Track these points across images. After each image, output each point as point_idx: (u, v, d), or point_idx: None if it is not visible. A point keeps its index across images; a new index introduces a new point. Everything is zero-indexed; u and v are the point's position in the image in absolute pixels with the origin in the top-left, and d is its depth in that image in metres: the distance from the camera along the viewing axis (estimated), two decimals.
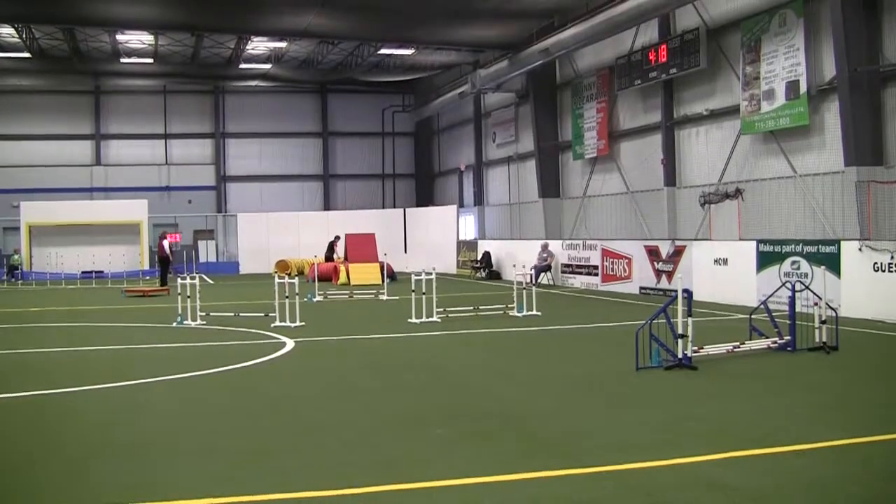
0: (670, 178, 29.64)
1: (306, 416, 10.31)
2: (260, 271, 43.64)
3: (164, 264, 34.91)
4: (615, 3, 27.78)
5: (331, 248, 38.61)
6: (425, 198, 52.99)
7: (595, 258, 29.61)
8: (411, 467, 7.88)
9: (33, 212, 43.64)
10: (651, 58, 29.17)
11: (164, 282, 33.75)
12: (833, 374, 12.64)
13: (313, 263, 32.66)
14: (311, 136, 52.77)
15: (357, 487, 7.21)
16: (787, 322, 14.39)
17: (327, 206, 52.09)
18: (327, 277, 34.73)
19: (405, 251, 44.66)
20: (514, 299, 21.53)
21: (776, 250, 21.63)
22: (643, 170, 31.61)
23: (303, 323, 19.38)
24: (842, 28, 21.20)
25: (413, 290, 20.40)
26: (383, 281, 29.58)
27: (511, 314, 21.14)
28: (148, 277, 39.85)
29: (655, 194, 30.61)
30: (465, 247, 41.48)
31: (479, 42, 37.11)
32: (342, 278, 34.64)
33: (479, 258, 38.48)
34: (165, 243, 35.10)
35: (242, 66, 43.81)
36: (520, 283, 22.00)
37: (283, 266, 39.92)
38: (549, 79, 37.68)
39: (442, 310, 20.51)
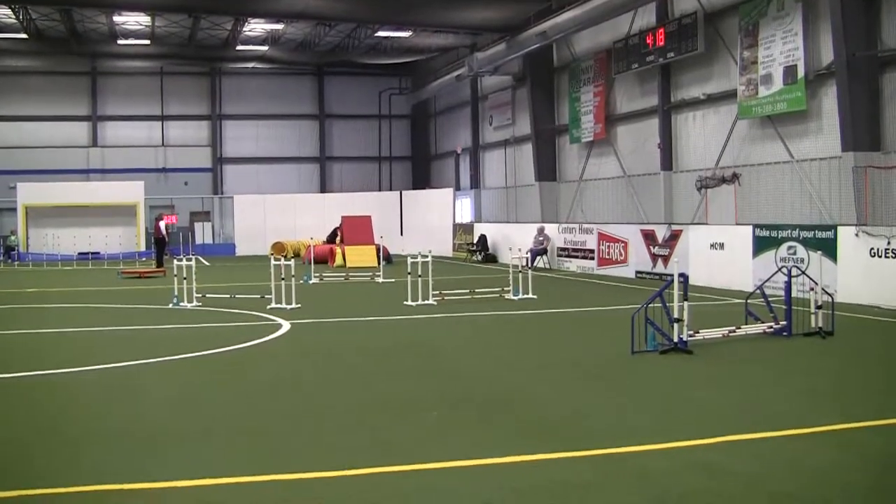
0: (667, 162, 29.61)
1: (302, 397, 10.33)
2: (256, 253, 43.61)
3: (160, 245, 34.92)
4: None
5: (335, 233, 38.67)
6: (422, 180, 52.92)
7: (591, 242, 29.62)
8: (407, 450, 7.90)
9: (30, 193, 43.57)
10: (648, 42, 29.09)
11: (159, 263, 33.75)
12: (828, 359, 12.68)
13: (309, 245, 32.64)
14: (307, 119, 52.65)
15: (353, 469, 7.23)
16: (783, 307, 14.41)
17: (324, 189, 52.03)
18: (323, 260, 34.72)
19: (401, 234, 44.65)
20: (510, 282, 21.54)
21: (772, 235, 21.64)
22: (640, 154, 31.57)
23: (298, 305, 19.40)
24: (840, 13, 21.13)
25: (409, 273, 20.41)
26: (379, 263, 29.57)
27: (507, 297, 21.16)
28: (144, 259, 39.79)
29: (652, 178, 30.59)
30: (462, 230, 41.48)
31: (477, 25, 36.98)
32: (338, 260, 34.65)
33: (475, 241, 38.49)
34: (162, 224, 35.12)
35: (239, 47, 43.67)
36: (516, 266, 22.02)
37: (279, 248, 39.91)
38: (546, 62, 37.58)
39: (438, 293, 20.54)
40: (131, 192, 44.56)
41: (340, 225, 37.85)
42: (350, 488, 6.92)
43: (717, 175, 25.78)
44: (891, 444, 8.13)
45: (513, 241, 31.75)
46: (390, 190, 51.19)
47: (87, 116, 49.60)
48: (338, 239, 37.89)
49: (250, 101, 51.35)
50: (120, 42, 42.45)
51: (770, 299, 15.04)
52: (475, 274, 29.96)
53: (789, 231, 21.18)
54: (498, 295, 21.36)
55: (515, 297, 21.10)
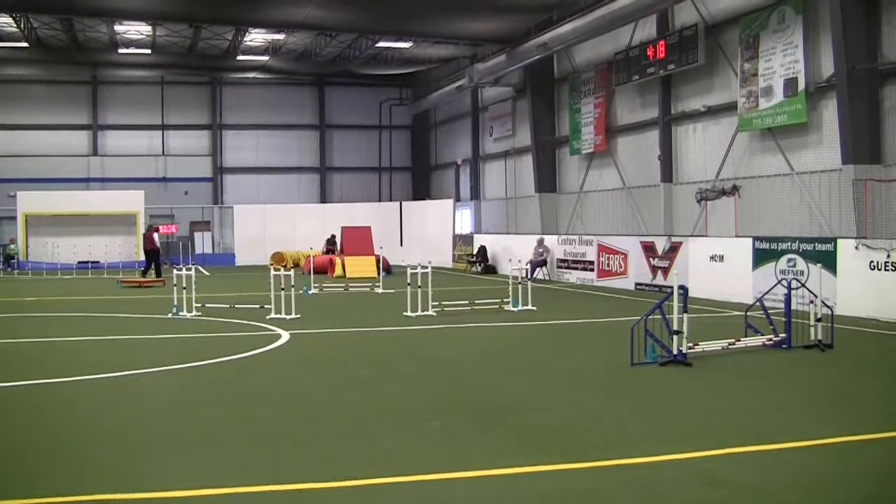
0: (667, 174, 29.64)
1: (301, 408, 10.31)
2: (256, 263, 43.59)
3: (153, 257, 34.63)
4: None
5: (332, 240, 38.69)
6: (422, 191, 52.96)
7: (591, 253, 29.60)
8: (406, 460, 7.89)
9: (30, 201, 43.56)
10: (649, 53, 29.15)
11: (158, 273, 33.62)
12: (828, 371, 12.66)
13: (309, 256, 32.65)
14: (308, 129, 52.71)
15: (352, 480, 7.22)
16: (783, 319, 14.40)
17: (324, 199, 52.07)
18: (323, 270, 34.72)
19: (401, 244, 44.61)
20: (510, 294, 21.53)
21: (772, 247, 21.64)
22: (640, 165, 31.61)
23: (298, 315, 19.38)
24: (840, 25, 21.19)
25: (409, 284, 20.40)
26: (379, 274, 29.56)
27: (506, 309, 21.14)
28: (143, 268, 39.72)
29: (652, 190, 30.61)
30: (461, 241, 41.47)
31: (477, 36, 37.07)
32: (338, 271, 34.63)
33: (474, 252, 38.46)
34: (155, 236, 34.75)
35: (240, 57, 43.76)
36: (515, 277, 22.01)
37: (278, 258, 39.90)
38: (546, 73, 37.64)
39: (437, 304, 20.52)
40: (131, 201, 44.53)
41: (341, 235, 37.82)
42: (348, 499, 6.91)
43: (718, 187, 25.81)
44: (891, 455, 8.11)
45: (512, 252, 31.74)
46: (390, 200, 51.19)
47: (87, 125, 49.67)
48: (337, 248, 37.94)
49: (251, 111, 51.43)
50: (121, 51, 42.54)
51: (770, 312, 15.03)
52: (475, 285, 29.95)
53: (789, 243, 21.18)
54: (498, 306, 21.35)
55: (515, 309, 21.09)
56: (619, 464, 7.69)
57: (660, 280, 25.62)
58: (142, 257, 42.04)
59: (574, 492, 7.00)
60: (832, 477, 7.37)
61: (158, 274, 33.52)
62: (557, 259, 31.79)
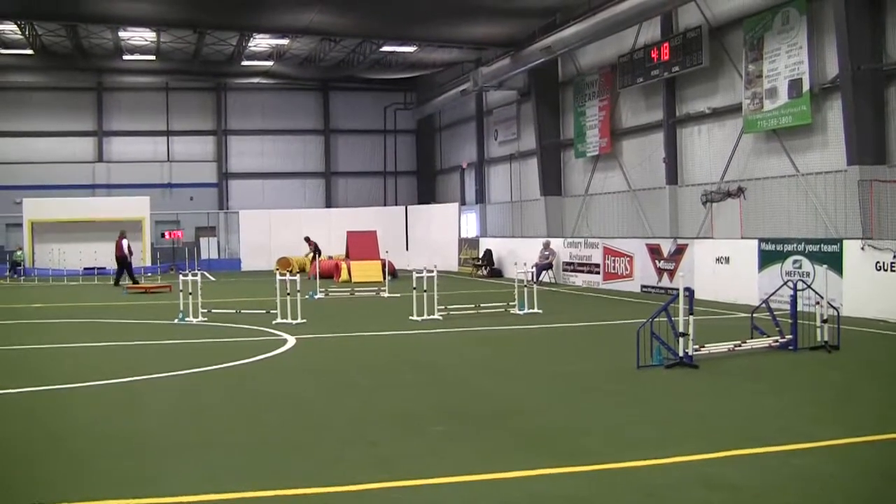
0: (672, 176, 29.61)
1: (306, 412, 10.31)
2: (262, 268, 43.64)
3: (123, 265, 33.82)
4: (617, 1, 27.75)
5: (315, 247, 38.86)
6: (427, 195, 52.97)
7: (597, 256, 29.59)
8: (410, 464, 7.87)
9: (36, 208, 43.65)
10: (653, 56, 29.13)
11: (117, 282, 33.18)
12: (834, 373, 12.62)
13: (315, 261, 32.66)
14: (312, 134, 52.77)
15: (355, 485, 7.21)
16: (789, 321, 14.37)
17: (329, 204, 52.10)
18: (329, 275, 34.75)
19: (407, 249, 44.61)
20: (516, 297, 21.52)
21: (778, 249, 21.60)
22: (645, 168, 31.58)
23: (304, 320, 19.37)
24: (845, 26, 21.16)
25: (414, 288, 20.39)
26: (385, 278, 29.56)
27: (512, 312, 21.13)
28: (150, 274, 39.80)
29: (657, 192, 30.58)
30: (467, 244, 41.45)
31: (481, 40, 37.09)
32: (344, 276, 34.64)
33: (480, 256, 38.45)
34: (125, 243, 33.94)
35: (244, 63, 43.84)
36: (521, 281, 21.99)
37: (284, 263, 39.93)
38: (551, 77, 37.64)
39: (443, 307, 20.51)
40: (137, 207, 44.62)
41: (346, 240, 37.81)
42: (349, 503, 6.92)
43: (723, 189, 25.76)
44: (891, 457, 8.09)
45: (518, 255, 31.71)
46: (395, 205, 51.25)
47: (92, 132, 49.78)
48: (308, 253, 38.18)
49: (255, 117, 51.52)
50: (125, 58, 42.64)
51: (776, 313, 14.99)
52: (480, 289, 29.94)
53: (795, 245, 21.14)
54: (503, 310, 21.33)
55: (521, 312, 21.07)
56: (622, 467, 7.67)
57: (665, 282, 25.59)
58: (148, 264, 42.29)
59: (576, 495, 6.99)
60: (832, 479, 7.34)
61: (117, 283, 33.20)
62: (563, 262, 31.77)
